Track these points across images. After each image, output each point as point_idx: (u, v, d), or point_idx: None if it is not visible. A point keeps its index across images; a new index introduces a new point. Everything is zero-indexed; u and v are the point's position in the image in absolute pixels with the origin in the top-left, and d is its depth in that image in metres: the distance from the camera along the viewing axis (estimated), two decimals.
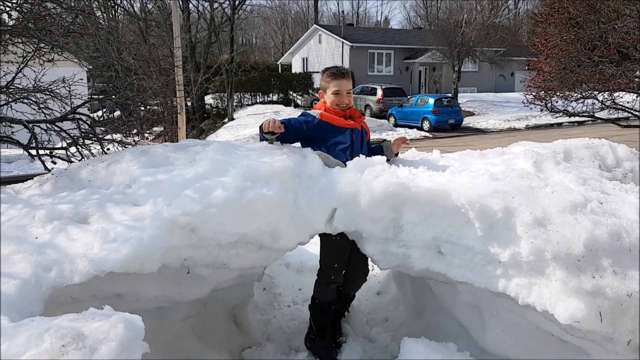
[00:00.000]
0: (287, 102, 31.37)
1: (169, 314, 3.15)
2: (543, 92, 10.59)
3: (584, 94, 10.22)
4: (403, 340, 2.84)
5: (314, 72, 34.31)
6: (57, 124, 4.40)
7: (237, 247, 2.84)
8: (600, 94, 10.13)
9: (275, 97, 31.97)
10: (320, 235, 3.26)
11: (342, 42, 34.80)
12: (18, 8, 4.12)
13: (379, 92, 27.66)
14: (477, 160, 3.43)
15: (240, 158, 3.08)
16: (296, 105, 30.70)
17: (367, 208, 2.89)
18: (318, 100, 3.95)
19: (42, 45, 4.30)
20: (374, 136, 3.99)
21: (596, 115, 11.01)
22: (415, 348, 2.74)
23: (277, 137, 3.32)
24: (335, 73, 3.49)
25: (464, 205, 2.64)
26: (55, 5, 4.37)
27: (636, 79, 9.50)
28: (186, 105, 19.76)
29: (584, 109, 10.78)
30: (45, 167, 4.25)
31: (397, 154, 3.67)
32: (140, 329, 1.83)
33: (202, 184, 2.74)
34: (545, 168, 3.10)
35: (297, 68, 40.63)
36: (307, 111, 3.59)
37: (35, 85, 4.37)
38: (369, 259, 3.37)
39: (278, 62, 44.23)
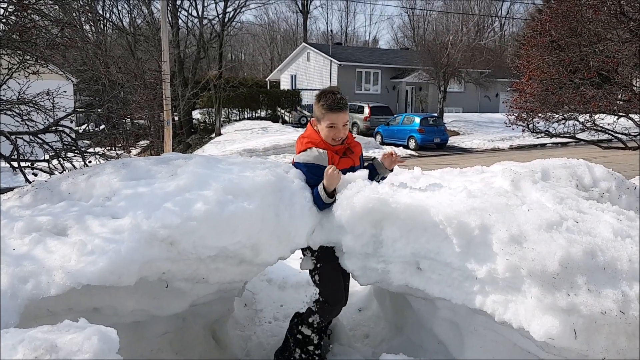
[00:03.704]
0: (275, 118, 31.43)
1: (147, 329, 3.12)
2: (525, 113, 10.74)
3: (565, 116, 10.38)
4: (382, 357, 2.84)
5: (302, 89, 34.53)
6: (39, 136, 4.38)
7: (217, 261, 2.83)
8: (581, 116, 10.29)
9: (263, 114, 32.01)
10: (316, 265, 3.26)
11: (331, 61, 35.12)
12: (4, 20, 4.12)
13: (366, 110, 27.92)
14: (456, 178, 3.48)
15: (222, 172, 3.09)
16: (284, 122, 30.76)
17: (347, 223, 2.91)
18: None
19: (27, 57, 4.30)
20: None
21: (578, 136, 11.17)
22: None
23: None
24: (331, 106, 3.17)
25: (442, 222, 2.67)
26: (41, 17, 4.37)
27: (618, 102, 9.66)
28: (173, 119, 19.74)
29: (565, 130, 10.95)
30: (27, 179, 4.22)
31: (392, 170, 3.54)
32: (114, 341, 1.83)
33: (182, 197, 2.75)
34: (522, 186, 3.15)
35: (285, 85, 40.83)
36: (306, 155, 3.27)
37: (19, 97, 4.35)
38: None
39: (267, 79, 44.42)
